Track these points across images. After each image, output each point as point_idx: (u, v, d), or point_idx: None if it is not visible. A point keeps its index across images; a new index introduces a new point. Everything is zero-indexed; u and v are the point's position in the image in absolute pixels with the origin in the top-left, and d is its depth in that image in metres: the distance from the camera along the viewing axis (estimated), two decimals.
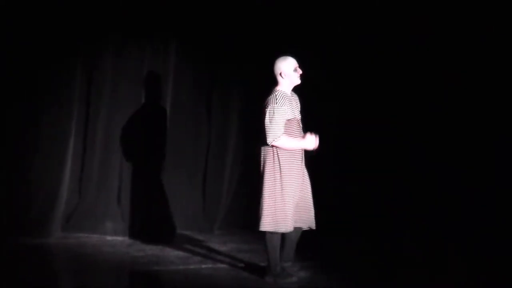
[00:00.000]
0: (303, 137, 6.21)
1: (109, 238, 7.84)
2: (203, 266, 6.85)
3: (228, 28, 8.14)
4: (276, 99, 6.12)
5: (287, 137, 6.12)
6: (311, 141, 6.19)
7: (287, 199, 6.14)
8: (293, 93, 6.32)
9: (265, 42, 7.97)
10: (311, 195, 6.34)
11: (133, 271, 6.84)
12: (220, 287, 6.39)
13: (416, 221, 7.88)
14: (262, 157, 6.20)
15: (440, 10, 8.01)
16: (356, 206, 8.09)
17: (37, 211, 7.72)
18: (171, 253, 7.31)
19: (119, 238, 7.85)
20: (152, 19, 7.98)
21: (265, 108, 6.12)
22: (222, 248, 7.52)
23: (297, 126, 6.24)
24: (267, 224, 6.13)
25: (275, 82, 6.26)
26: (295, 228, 6.27)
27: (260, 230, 6.17)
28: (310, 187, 6.34)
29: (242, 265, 6.85)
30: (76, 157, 7.97)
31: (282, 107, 6.10)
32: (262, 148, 6.20)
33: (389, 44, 8.14)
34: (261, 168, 6.20)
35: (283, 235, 6.26)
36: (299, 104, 6.36)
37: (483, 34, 7.88)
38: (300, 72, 6.24)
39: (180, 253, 7.31)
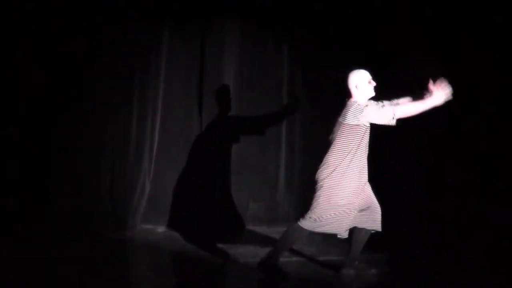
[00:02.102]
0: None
1: (102, 233, 7.83)
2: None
3: None
4: (360, 105, 6.16)
5: (401, 105, 6.20)
6: (440, 95, 6.18)
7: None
8: None
9: None
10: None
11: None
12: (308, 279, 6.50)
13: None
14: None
15: None
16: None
17: (114, 205, 7.88)
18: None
19: (113, 234, 7.84)
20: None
21: (346, 120, 6.13)
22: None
23: (367, 135, 6.24)
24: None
25: (348, 95, 6.28)
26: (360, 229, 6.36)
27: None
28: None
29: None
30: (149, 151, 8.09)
31: (367, 103, 6.19)
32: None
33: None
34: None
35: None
36: None
37: None
38: (374, 84, 6.31)
39: (175, 249, 7.37)
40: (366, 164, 6.29)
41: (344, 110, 6.21)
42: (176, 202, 8.20)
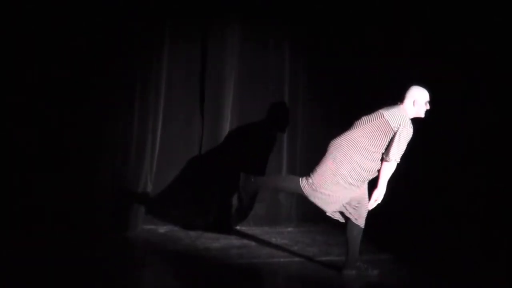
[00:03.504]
0: None
1: (103, 233, 7.80)
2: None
3: None
4: (407, 123, 6.21)
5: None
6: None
7: None
8: None
9: None
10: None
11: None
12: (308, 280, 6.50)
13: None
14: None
15: None
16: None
17: (115, 205, 7.85)
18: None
19: (113, 234, 7.81)
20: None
21: (387, 123, 6.20)
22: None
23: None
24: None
25: (400, 103, 6.32)
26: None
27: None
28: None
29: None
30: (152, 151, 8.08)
31: (411, 131, 6.22)
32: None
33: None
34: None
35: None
36: None
37: None
38: (428, 107, 6.33)
39: (175, 249, 7.34)
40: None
41: (391, 109, 6.25)
42: (177, 202, 8.18)
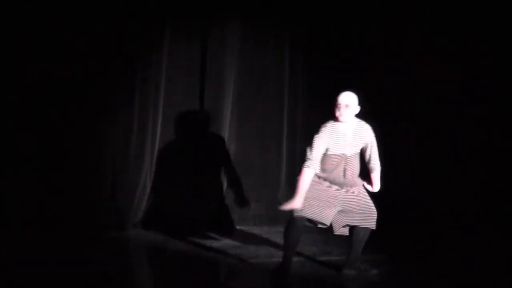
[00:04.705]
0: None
1: (102, 232, 7.78)
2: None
3: None
4: (322, 127, 6.30)
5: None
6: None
7: None
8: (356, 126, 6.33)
9: None
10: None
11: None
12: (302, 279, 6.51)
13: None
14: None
15: None
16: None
17: (115, 205, 7.88)
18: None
19: (113, 233, 7.82)
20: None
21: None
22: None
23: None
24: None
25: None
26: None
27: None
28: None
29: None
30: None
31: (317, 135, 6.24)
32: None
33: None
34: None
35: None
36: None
37: None
38: (339, 109, 6.27)
39: (174, 248, 7.31)
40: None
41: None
42: (177, 202, 8.17)
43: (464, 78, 8.11)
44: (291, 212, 6.25)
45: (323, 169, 6.27)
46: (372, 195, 6.41)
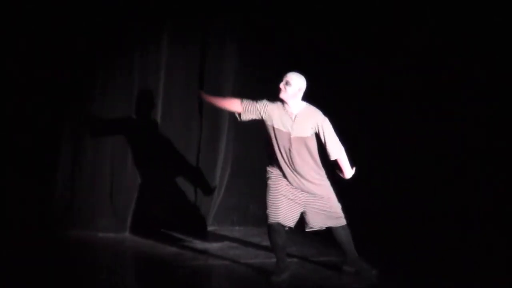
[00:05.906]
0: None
1: (100, 235, 7.81)
2: (243, 261, 6.91)
3: None
4: None
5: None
6: None
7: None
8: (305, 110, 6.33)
9: None
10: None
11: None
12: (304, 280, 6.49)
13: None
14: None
15: None
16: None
17: (113, 207, 7.88)
18: (164, 250, 7.32)
19: (111, 235, 7.82)
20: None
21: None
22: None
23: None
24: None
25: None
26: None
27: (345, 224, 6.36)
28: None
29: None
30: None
31: None
32: None
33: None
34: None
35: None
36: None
37: None
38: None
39: (174, 250, 7.33)
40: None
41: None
42: (176, 202, 8.18)
43: (464, 78, 8.12)
44: (266, 219, 6.26)
45: (269, 156, 6.24)
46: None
